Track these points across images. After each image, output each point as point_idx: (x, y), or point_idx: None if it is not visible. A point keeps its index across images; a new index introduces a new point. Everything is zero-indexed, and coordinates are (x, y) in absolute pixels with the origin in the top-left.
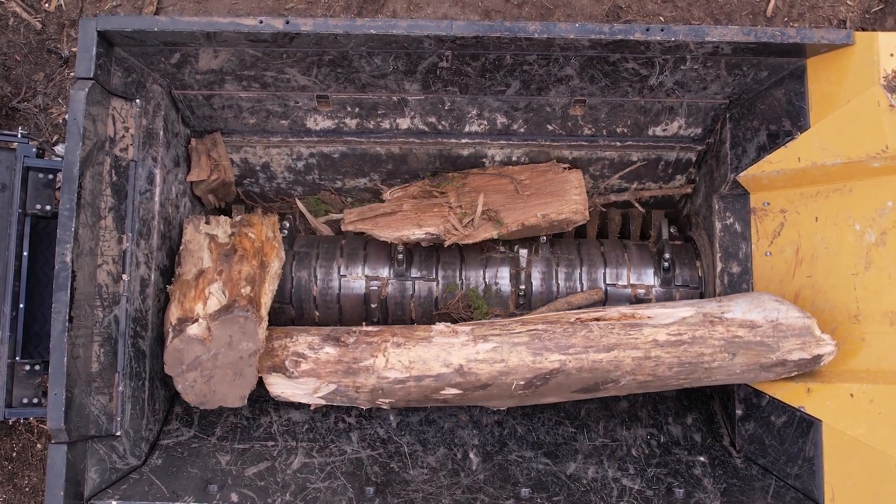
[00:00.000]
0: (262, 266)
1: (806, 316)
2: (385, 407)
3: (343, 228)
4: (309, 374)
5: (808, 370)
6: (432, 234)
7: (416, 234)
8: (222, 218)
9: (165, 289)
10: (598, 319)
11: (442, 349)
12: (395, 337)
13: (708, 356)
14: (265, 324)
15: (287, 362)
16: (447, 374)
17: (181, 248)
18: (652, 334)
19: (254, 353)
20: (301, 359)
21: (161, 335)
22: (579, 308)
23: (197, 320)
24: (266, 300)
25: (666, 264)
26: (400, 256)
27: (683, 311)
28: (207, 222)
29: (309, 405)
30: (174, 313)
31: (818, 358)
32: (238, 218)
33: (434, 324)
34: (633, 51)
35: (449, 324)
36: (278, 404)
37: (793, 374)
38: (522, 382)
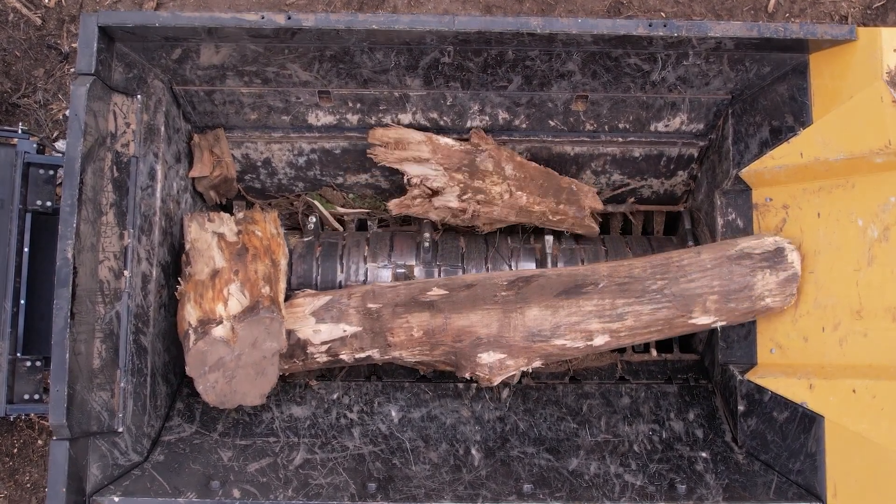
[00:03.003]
0: (273, 264)
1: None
2: (371, 315)
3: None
4: (307, 294)
5: (782, 272)
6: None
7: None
8: (225, 215)
9: (175, 289)
10: None
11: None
12: None
13: (675, 256)
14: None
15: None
16: (434, 278)
17: (187, 246)
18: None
19: (277, 352)
20: (301, 294)
21: (165, 331)
22: None
23: (221, 322)
24: (282, 298)
25: None
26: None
27: None
28: (210, 220)
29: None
30: (192, 314)
31: (780, 251)
32: (241, 215)
33: None
34: (636, 46)
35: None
36: (280, 401)
37: (769, 277)
38: (505, 282)
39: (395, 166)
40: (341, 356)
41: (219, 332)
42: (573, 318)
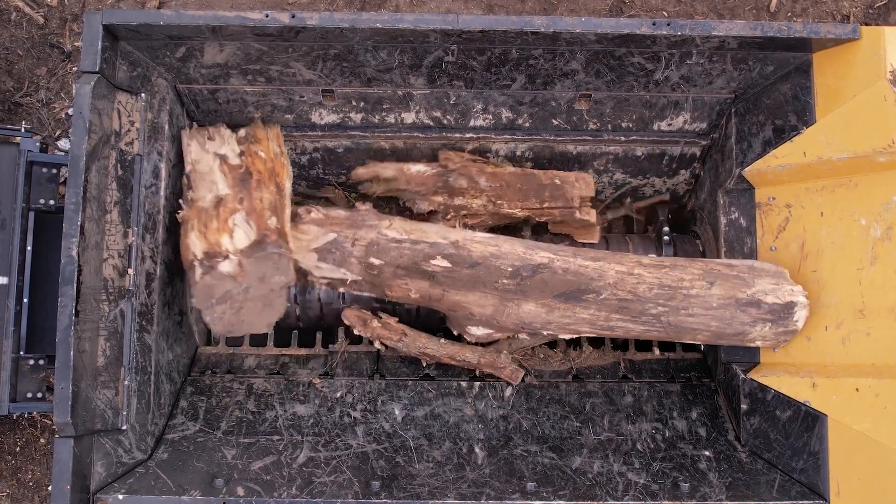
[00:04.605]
0: (279, 190)
1: (778, 266)
2: (372, 270)
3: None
4: (314, 222)
5: (783, 326)
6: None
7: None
8: (226, 132)
9: (177, 213)
10: None
11: (443, 227)
12: (401, 216)
13: (687, 282)
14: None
15: (300, 209)
16: (443, 244)
17: (188, 168)
18: (637, 258)
19: (285, 285)
20: (314, 210)
21: (169, 329)
22: None
23: (227, 256)
24: (288, 228)
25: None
26: None
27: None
28: (210, 138)
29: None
30: (197, 245)
31: (790, 307)
32: (243, 133)
33: None
34: (640, 45)
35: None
36: (284, 399)
37: (766, 329)
38: (510, 269)
39: (388, 195)
40: (340, 289)
41: (226, 266)
42: (566, 319)
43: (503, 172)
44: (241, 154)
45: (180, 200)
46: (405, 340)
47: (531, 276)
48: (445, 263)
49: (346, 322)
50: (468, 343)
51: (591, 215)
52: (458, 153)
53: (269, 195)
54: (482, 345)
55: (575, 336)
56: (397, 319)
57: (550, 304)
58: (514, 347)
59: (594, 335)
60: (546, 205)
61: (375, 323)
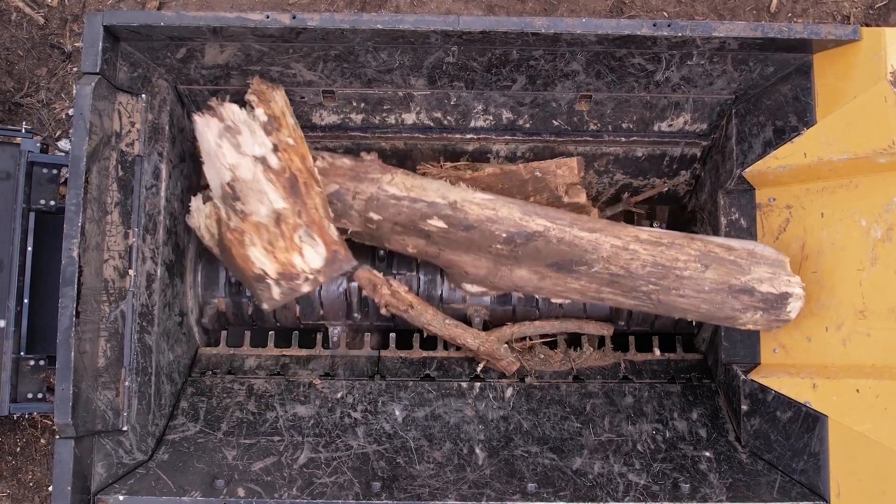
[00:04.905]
0: (315, 180)
1: (780, 253)
2: (371, 224)
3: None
4: (320, 171)
5: (774, 315)
6: None
7: None
8: (241, 116)
9: (230, 226)
10: None
11: (444, 185)
12: (404, 170)
13: (682, 262)
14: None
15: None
16: (441, 204)
17: (230, 179)
18: (635, 231)
19: (349, 271)
20: (319, 158)
21: (169, 330)
22: None
23: (307, 278)
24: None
25: None
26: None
27: None
28: (236, 130)
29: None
30: (266, 264)
31: (784, 297)
32: (264, 117)
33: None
34: (640, 46)
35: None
36: (284, 400)
37: (758, 316)
38: (504, 235)
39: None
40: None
41: (306, 287)
42: (557, 287)
43: (482, 175)
44: (275, 149)
45: (207, 191)
46: (411, 313)
47: (525, 244)
48: (441, 224)
49: (358, 283)
50: (470, 328)
51: (581, 196)
52: (435, 165)
53: (319, 198)
54: (484, 330)
55: (566, 301)
56: (407, 289)
57: (542, 272)
58: (515, 335)
59: (584, 302)
60: (531, 199)
61: (385, 290)
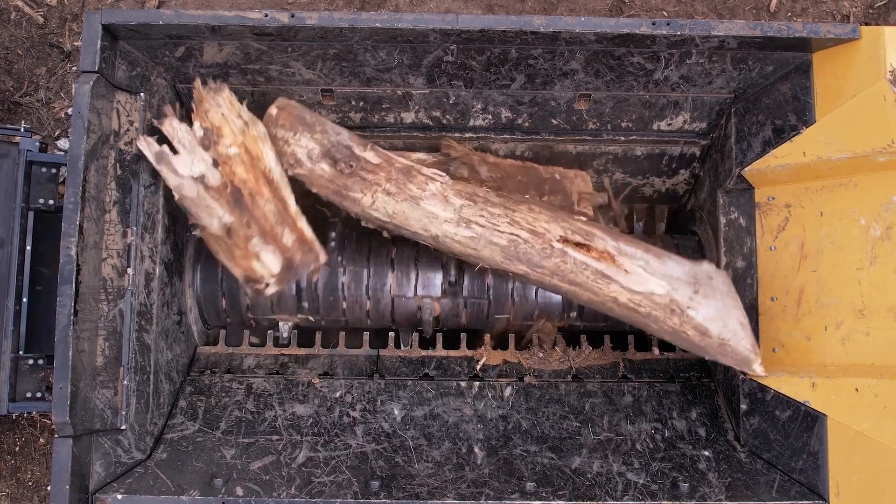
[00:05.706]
0: (269, 185)
1: (754, 352)
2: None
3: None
4: (300, 178)
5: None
6: None
7: None
8: (184, 133)
9: (190, 234)
10: (580, 246)
11: (426, 215)
12: (388, 183)
13: (654, 328)
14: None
15: (283, 160)
16: (423, 235)
17: (176, 196)
18: (615, 293)
19: (320, 265)
20: (296, 164)
21: (168, 329)
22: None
23: (268, 283)
24: (302, 222)
25: None
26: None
27: (656, 285)
28: (170, 149)
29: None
30: (234, 269)
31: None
32: (201, 132)
33: (433, 183)
34: (639, 45)
35: (446, 181)
36: (283, 399)
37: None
38: (486, 268)
39: None
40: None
41: (271, 289)
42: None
43: (504, 163)
44: (216, 164)
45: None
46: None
47: (506, 277)
48: (428, 243)
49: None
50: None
51: (589, 210)
52: (461, 143)
53: (269, 204)
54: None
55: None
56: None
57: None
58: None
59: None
60: (546, 198)
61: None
